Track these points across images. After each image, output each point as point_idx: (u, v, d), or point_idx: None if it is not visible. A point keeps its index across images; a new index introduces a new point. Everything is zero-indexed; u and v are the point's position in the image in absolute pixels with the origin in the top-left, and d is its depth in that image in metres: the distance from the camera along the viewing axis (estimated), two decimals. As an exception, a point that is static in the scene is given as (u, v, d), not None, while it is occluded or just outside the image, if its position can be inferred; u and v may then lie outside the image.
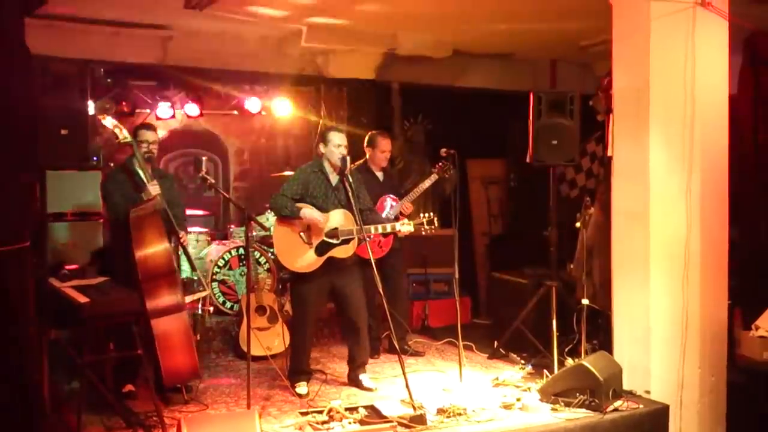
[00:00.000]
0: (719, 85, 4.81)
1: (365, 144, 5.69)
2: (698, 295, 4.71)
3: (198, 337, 4.44)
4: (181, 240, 4.76)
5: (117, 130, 4.63)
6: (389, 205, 5.62)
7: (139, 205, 4.44)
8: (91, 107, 6.73)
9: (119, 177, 4.77)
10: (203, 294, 4.62)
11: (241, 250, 6.34)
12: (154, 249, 4.25)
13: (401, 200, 5.64)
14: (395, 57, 7.45)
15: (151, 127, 4.87)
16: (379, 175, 5.70)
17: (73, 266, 4.99)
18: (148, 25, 6.50)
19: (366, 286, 5.16)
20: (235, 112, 8.02)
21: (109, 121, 4.70)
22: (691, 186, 4.65)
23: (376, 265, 4.53)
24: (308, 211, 4.70)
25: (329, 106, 7.97)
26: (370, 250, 4.50)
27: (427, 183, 5.62)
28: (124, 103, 7.13)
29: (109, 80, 7.03)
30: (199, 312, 5.57)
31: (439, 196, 7.17)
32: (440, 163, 5.56)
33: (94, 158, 6.72)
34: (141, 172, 4.64)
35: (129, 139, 4.64)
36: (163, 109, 7.44)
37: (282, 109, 7.97)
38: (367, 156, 5.68)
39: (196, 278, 5.78)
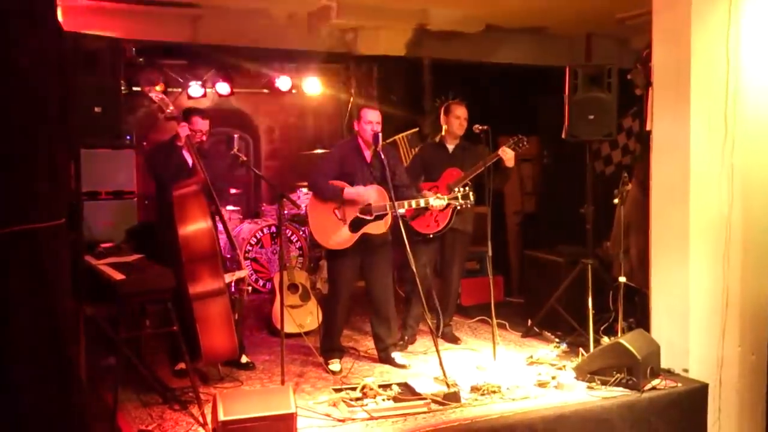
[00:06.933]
0: (763, 57, 4.65)
1: (442, 114, 5.50)
2: (739, 273, 4.61)
3: (237, 316, 4.41)
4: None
5: (163, 104, 4.56)
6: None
7: (182, 182, 4.39)
8: (123, 85, 6.74)
9: (163, 152, 4.72)
10: (242, 274, 4.57)
11: (273, 229, 6.35)
12: (196, 228, 4.19)
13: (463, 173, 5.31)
14: (426, 33, 7.34)
15: (205, 115, 4.80)
16: (450, 147, 5.45)
17: (109, 244, 5.02)
18: (177, 3, 6.48)
19: (423, 263, 5.17)
20: (266, 91, 8.01)
21: (155, 94, 4.63)
22: (733, 161, 4.53)
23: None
24: (349, 190, 4.68)
25: (359, 84, 7.92)
26: (403, 229, 4.46)
27: (496, 158, 5.21)
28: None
29: (140, 59, 7.05)
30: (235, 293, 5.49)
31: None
32: (515, 137, 5.25)
33: (128, 137, 6.76)
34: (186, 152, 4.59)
35: (174, 115, 4.57)
36: (195, 87, 7.47)
37: (312, 87, 7.94)
38: (444, 127, 5.47)
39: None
